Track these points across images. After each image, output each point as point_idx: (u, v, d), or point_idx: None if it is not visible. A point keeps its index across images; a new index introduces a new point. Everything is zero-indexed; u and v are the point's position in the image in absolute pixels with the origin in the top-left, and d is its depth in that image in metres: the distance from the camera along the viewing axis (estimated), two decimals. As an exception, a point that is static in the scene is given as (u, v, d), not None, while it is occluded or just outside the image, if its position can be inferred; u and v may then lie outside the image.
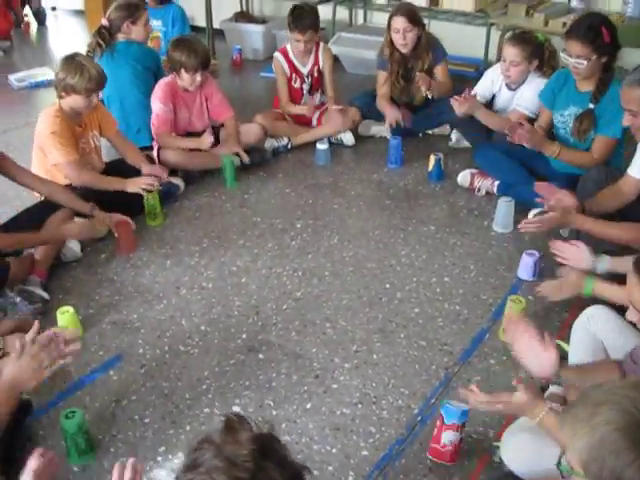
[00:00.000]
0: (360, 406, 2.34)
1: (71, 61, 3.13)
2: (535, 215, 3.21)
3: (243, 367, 2.51)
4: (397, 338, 2.64)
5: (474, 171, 3.63)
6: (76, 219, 3.09)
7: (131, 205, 3.30)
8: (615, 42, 3.08)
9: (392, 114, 4.05)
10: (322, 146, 3.94)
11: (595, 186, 3.00)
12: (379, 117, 4.14)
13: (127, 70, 3.78)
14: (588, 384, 2.01)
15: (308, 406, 2.34)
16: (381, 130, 4.18)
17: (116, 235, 3.13)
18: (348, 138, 4.09)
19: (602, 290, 2.36)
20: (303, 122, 4.18)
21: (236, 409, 2.32)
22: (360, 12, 5.62)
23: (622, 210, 2.85)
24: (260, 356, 2.56)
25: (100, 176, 3.32)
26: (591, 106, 3.15)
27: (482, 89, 3.84)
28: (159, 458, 2.16)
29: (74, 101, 3.13)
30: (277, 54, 4.13)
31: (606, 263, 2.52)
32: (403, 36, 3.93)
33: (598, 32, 3.04)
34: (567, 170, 3.29)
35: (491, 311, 2.77)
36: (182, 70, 3.58)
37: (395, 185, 3.75)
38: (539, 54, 3.62)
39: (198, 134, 3.77)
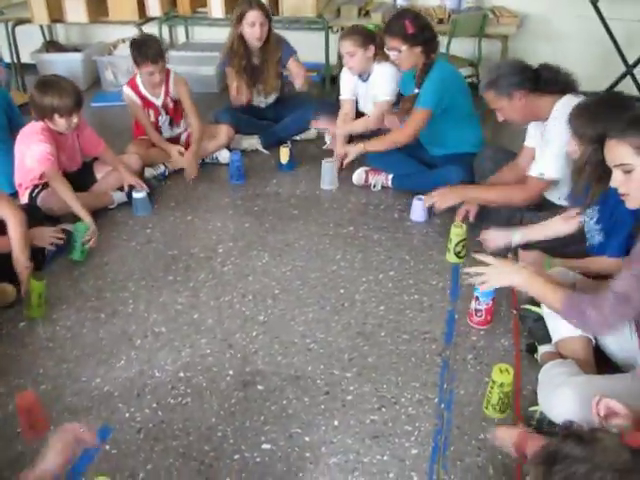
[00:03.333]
0: (384, 409, 2.34)
1: None
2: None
3: (248, 403, 2.36)
4: (379, 338, 2.67)
5: (366, 169, 3.76)
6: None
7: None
8: (424, 32, 3.42)
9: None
10: (139, 195, 3.52)
11: (492, 163, 3.31)
12: (248, 130, 4.10)
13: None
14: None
15: (336, 423, 2.28)
16: (252, 143, 4.14)
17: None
18: (224, 155, 3.99)
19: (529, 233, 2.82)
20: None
21: (267, 447, 2.20)
22: (181, 30, 5.47)
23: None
24: (259, 387, 2.43)
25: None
26: (416, 90, 3.49)
27: (347, 90, 4.02)
28: (215, 521, 1.98)
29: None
30: (126, 88, 3.89)
31: (519, 236, 2.87)
32: (259, 29, 4.01)
33: (402, 25, 3.37)
34: (445, 153, 3.58)
35: (447, 293, 2.92)
36: (55, 115, 3.22)
37: (292, 194, 3.74)
38: (373, 41, 3.84)
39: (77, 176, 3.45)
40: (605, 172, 2.23)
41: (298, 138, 4.29)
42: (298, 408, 2.34)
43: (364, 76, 3.95)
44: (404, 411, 2.33)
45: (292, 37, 4.31)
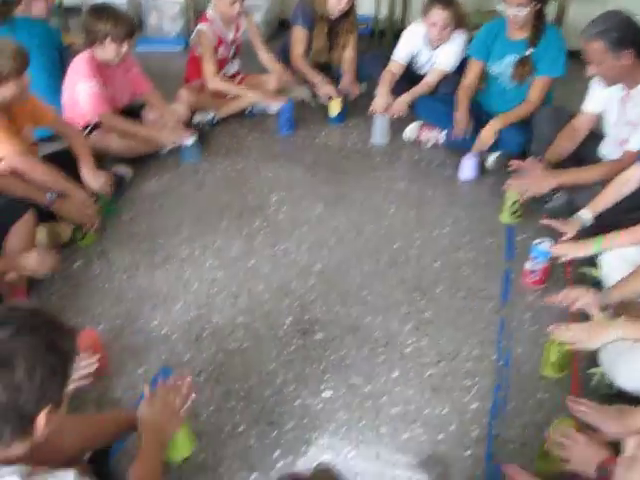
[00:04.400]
0: (443, 363, 2.33)
1: None
2: (495, 158, 3.42)
3: (307, 351, 2.37)
4: (435, 294, 2.65)
5: (420, 124, 3.70)
6: (40, 227, 2.67)
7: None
8: None
9: (325, 89, 3.96)
10: (188, 141, 3.46)
11: (549, 125, 3.22)
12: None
13: (32, 52, 3.25)
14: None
15: (395, 375, 2.28)
16: (301, 93, 4.08)
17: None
18: (273, 105, 3.93)
19: (610, 241, 2.50)
20: (217, 93, 3.94)
21: (328, 394, 2.21)
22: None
23: (575, 154, 3.09)
24: (318, 336, 2.43)
25: (53, 171, 2.86)
26: (529, 52, 3.36)
27: (403, 55, 3.88)
28: (279, 464, 1.98)
29: (4, 91, 2.62)
30: (202, 26, 3.76)
31: (588, 214, 2.71)
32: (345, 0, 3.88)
33: None
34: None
35: (502, 253, 2.89)
36: (107, 40, 3.17)
37: (343, 147, 3.70)
38: (458, 11, 3.74)
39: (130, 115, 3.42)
40: None
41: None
42: (357, 358, 2.35)
43: (438, 45, 3.84)
44: (462, 366, 2.33)
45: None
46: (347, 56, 4.11)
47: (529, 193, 2.97)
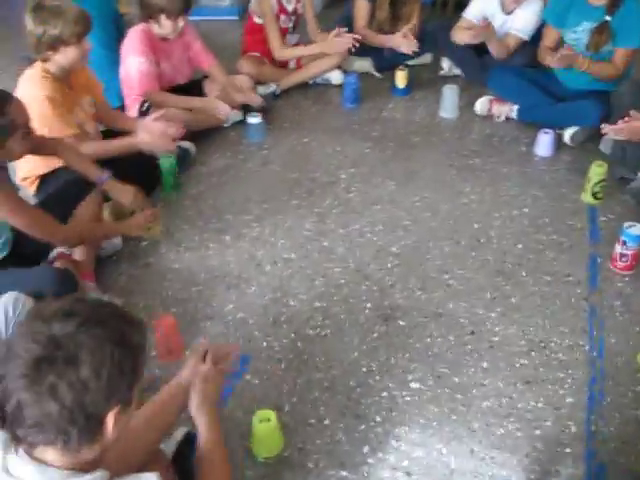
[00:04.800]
0: (534, 353, 2.22)
1: (41, 10, 2.53)
2: (573, 133, 3.26)
3: (391, 339, 2.27)
4: (520, 278, 2.53)
5: (491, 98, 3.54)
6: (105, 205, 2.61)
7: (144, 177, 2.84)
8: None
9: (396, 40, 3.82)
10: (254, 120, 3.34)
11: (631, 99, 3.04)
12: (360, 51, 3.87)
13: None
14: None
15: (485, 365, 2.18)
16: (364, 66, 3.93)
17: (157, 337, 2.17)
18: (336, 76, 3.80)
19: None
20: (280, 65, 3.81)
21: (415, 385, 2.11)
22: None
23: None
24: (401, 323, 2.34)
25: (105, 142, 2.76)
26: (608, 18, 3.17)
27: (475, 13, 3.69)
28: (370, 460, 1.90)
29: (65, 56, 2.54)
30: None
31: None
32: None
33: None
34: (581, 87, 3.30)
35: (586, 235, 2.75)
36: (162, 16, 3.06)
37: (411, 121, 3.57)
38: None
39: (185, 90, 3.30)
40: None
41: (411, 63, 4.04)
42: (443, 347, 2.25)
43: (512, 8, 3.66)
44: (554, 356, 2.21)
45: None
46: (411, 25, 3.93)
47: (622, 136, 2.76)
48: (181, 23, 3.10)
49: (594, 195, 2.90)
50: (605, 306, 2.41)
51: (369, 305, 2.40)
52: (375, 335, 2.29)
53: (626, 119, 2.77)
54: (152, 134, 2.77)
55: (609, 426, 1.99)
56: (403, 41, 3.78)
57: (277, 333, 2.30)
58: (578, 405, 2.06)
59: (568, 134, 3.26)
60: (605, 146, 3.18)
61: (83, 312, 1.12)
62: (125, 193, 2.51)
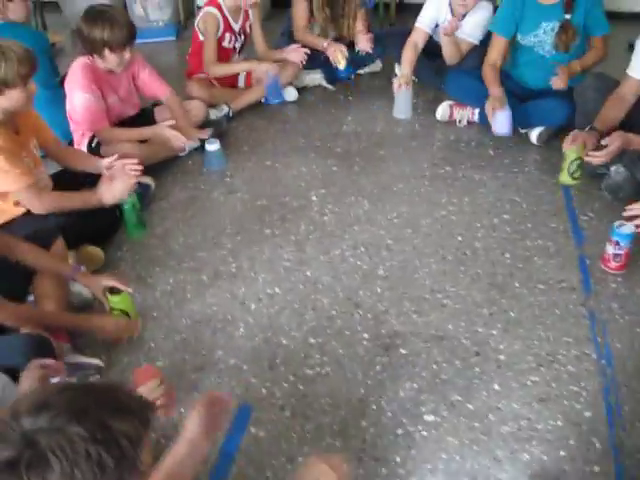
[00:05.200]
0: (543, 369, 2.15)
1: None
2: (540, 133, 3.23)
3: (395, 370, 2.16)
4: (514, 289, 2.46)
5: (451, 103, 3.48)
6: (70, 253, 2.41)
7: (107, 221, 2.67)
8: None
9: (333, 47, 3.75)
10: (212, 147, 3.15)
11: (594, 93, 3.03)
12: (310, 64, 3.75)
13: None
14: None
15: (496, 387, 2.09)
16: (315, 79, 3.82)
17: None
18: (291, 93, 3.68)
19: None
20: (228, 85, 3.65)
21: (430, 418, 2.01)
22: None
23: (625, 122, 2.90)
24: (402, 351, 2.22)
25: (66, 195, 2.56)
26: (568, 16, 3.15)
27: (427, 22, 3.64)
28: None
29: (9, 99, 2.32)
30: (210, 8, 3.48)
31: None
32: None
33: None
34: (542, 86, 3.27)
35: (570, 237, 2.71)
36: (106, 50, 2.87)
37: (372, 132, 3.47)
38: None
39: (136, 122, 3.11)
40: None
41: (362, 72, 3.97)
42: (451, 372, 2.15)
43: (462, 14, 3.60)
44: (564, 369, 2.14)
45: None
46: (358, 30, 3.89)
47: (596, 161, 2.75)
48: (127, 55, 2.91)
49: (572, 175, 2.89)
50: (603, 310, 2.36)
51: (366, 335, 2.29)
52: (378, 367, 2.17)
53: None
54: (113, 188, 2.59)
55: (632, 438, 1.93)
56: (341, 47, 3.74)
57: (275, 377, 2.15)
58: (597, 418, 1.99)
59: (535, 134, 3.24)
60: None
61: (58, 403, 0.98)
62: (97, 287, 2.29)
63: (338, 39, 3.88)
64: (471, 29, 3.54)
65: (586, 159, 2.79)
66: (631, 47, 2.91)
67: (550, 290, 2.45)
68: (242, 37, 3.65)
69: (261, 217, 2.86)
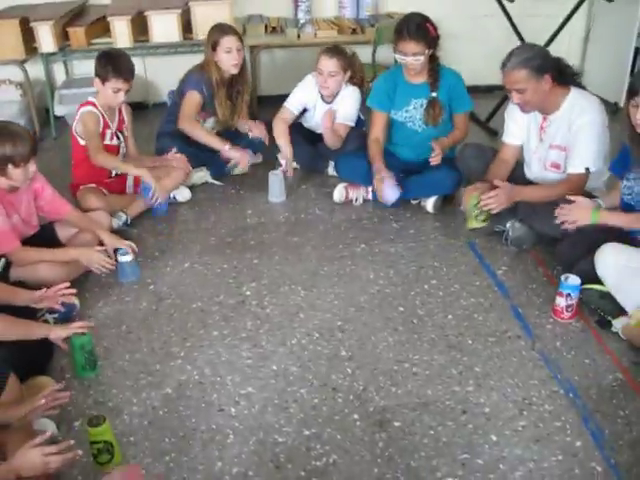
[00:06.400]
0: (525, 412, 2.30)
1: None
2: (434, 202, 3.52)
3: (397, 443, 2.18)
4: (469, 346, 2.61)
5: (345, 184, 3.66)
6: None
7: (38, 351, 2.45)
8: (438, 35, 3.46)
9: (240, 154, 3.92)
10: (126, 258, 3.03)
11: (477, 162, 3.39)
12: (195, 163, 3.77)
13: None
14: None
15: (494, 438, 2.19)
16: (202, 176, 3.83)
17: None
18: (184, 193, 3.65)
19: (605, 217, 2.74)
20: (117, 191, 3.55)
21: (449, 481, 2.06)
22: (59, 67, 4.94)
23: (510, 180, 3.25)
24: (396, 424, 2.26)
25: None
26: (434, 94, 3.51)
27: (296, 104, 3.87)
28: None
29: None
30: (87, 107, 3.39)
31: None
32: (237, 55, 3.79)
33: (426, 29, 3.38)
34: (419, 159, 3.59)
35: (495, 291, 2.95)
36: (10, 166, 2.69)
37: (277, 221, 3.55)
38: (351, 65, 3.81)
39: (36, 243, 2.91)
40: None
41: (241, 170, 4.07)
42: (449, 434, 2.22)
43: (331, 98, 3.85)
44: (543, 409, 2.32)
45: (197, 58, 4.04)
46: (247, 118, 4.09)
47: (491, 205, 3.06)
48: (32, 167, 2.73)
49: (476, 218, 3.19)
50: (551, 350, 2.60)
51: (356, 416, 2.30)
52: (381, 444, 2.19)
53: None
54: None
55: (623, 455, 2.13)
56: (255, 126, 3.95)
57: (286, 477, 2.08)
58: (588, 445, 2.17)
59: (430, 204, 3.51)
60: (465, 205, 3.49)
61: None
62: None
63: (221, 131, 3.99)
64: (345, 113, 3.82)
65: (481, 203, 3.09)
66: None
67: (500, 341, 2.65)
68: (120, 140, 3.57)
69: (202, 320, 2.78)
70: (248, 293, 2.95)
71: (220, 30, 3.81)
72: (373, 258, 3.20)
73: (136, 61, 4.91)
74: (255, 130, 4.00)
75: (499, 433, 2.22)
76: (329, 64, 3.71)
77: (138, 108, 4.65)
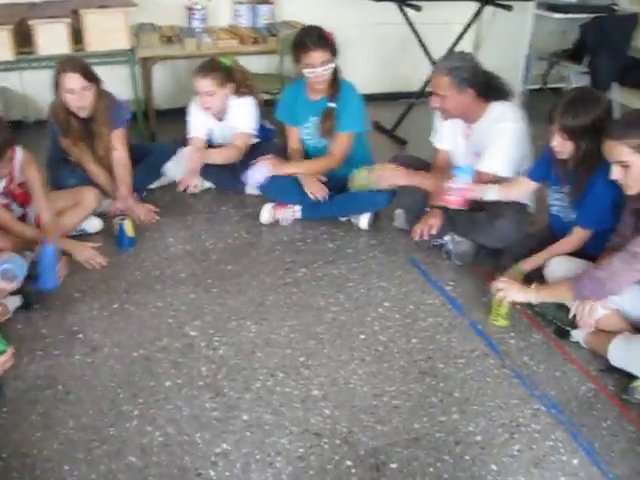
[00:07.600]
0: (516, 436, 2.23)
1: None
2: (369, 219, 3.39)
3: (399, 487, 2.05)
4: (442, 370, 2.51)
5: (272, 205, 3.44)
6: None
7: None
8: (336, 45, 3.32)
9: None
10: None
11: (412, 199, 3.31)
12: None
13: None
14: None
15: (494, 467, 2.10)
16: (93, 224, 3.36)
17: None
18: (94, 224, 3.30)
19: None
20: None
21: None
22: None
23: None
24: (392, 466, 2.09)
25: None
26: (332, 105, 3.36)
27: (198, 128, 3.65)
28: None
29: None
30: None
31: (494, 193, 2.96)
32: (80, 96, 3.25)
33: (327, 37, 3.27)
34: (338, 173, 3.46)
35: (450, 308, 2.87)
36: None
37: (205, 249, 3.26)
38: (231, 77, 3.58)
39: None
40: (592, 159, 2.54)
41: (153, 186, 3.73)
42: (449, 469, 2.11)
43: (221, 115, 3.60)
44: (531, 429, 2.27)
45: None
46: (116, 157, 3.47)
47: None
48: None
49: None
50: (521, 366, 2.56)
51: (349, 463, 2.11)
52: (384, 491, 2.03)
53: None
54: None
55: (619, 467, 2.12)
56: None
57: None
58: (584, 462, 2.15)
59: (364, 221, 3.39)
60: (399, 222, 3.39)
61: None
62: None
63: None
64: (241, 123, 3.66)
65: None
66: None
67: (470, 362, 2.57)
68: (11, 198, 2.99)
69: (149, 370, 2.46)
70: (193, 333, 2.67)
71: (60, 66, 3.25)
72: (318, 283, 3.02)
73: (13, 75, 4.50)
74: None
75: (497, 461, 2.13)
76: (204, 84, 3.49)
77: (18, 127, 4.17)
